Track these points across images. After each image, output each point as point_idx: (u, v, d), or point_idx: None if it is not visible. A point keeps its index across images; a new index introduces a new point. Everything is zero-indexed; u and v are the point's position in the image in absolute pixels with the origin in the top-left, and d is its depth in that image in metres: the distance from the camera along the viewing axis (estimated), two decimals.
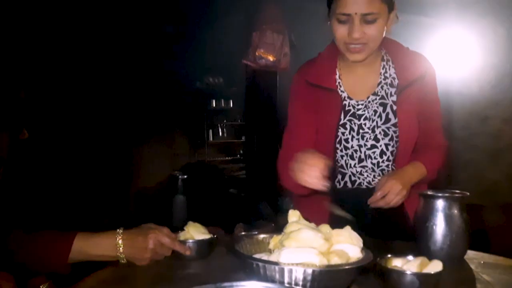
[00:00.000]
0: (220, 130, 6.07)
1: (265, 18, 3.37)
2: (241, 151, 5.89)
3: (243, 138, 5.47)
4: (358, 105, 1.44)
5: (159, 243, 1.04)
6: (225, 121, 6.08)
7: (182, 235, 1.14)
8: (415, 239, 1.17)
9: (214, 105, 5.84)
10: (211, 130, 5.91)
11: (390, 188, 1.28)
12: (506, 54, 2.78)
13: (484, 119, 2.87)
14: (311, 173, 1.15)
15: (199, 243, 1.12)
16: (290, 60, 3.41)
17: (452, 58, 2.88)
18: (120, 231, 1.04)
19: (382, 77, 1.45)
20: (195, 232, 1.14)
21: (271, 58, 3.32)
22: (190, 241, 1.11)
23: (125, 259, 1.03)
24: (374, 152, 1.43)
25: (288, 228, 0.97)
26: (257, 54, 3.32)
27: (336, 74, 1.48)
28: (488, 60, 2.83)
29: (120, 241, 1.02)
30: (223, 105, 5.87)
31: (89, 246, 1.02)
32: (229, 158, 5.93)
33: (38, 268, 1.02)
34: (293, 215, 1.01)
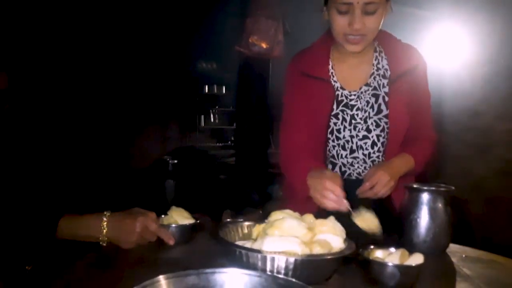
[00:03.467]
0: (211, 116, 6.04)
1: (260, 4, 3.33)
2: (232, 138, 5.87)
3: (235, 124, 5.46)
4: (350, 95, 1.44)
5: (146, 228, 1.05)
6: (217, 107, 6.05)
7: (165, 220, 1.13)
8: (399, 231, 1.18)
9: (206, 91, 5.80)
10: (202, 116, 5.88)
11: (378, 179, 1.28)
12: (499, 50, 2.78)
13: (475, 114, 2.88)
14: (331, 197, 1.16)
15: (182, 227, 1.12)
16: (284, 48, 3.38)
17: (445, 52, 2.88)
18: (107, 213, 1.05)
19: (375, 68, 1.45)
20: (179, 217, 1.14)
21: (264, 45, 3.29)
22: (173, 225, 1.11)
23: (106, 242, 1.03)
24: (365, 143, 1.43)
25: (272, 217, 0.97)
26: (250, 41, 3.28)
27: (329, 64, 1.47)
28: (482, 55, 2.83)
29: (105, 223, 1.03)
30: (215, 90, 5.84)
31: (75, 226, 1.03)
32: (220, 144, 5.91)
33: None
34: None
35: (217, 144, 5.89)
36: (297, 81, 1.49)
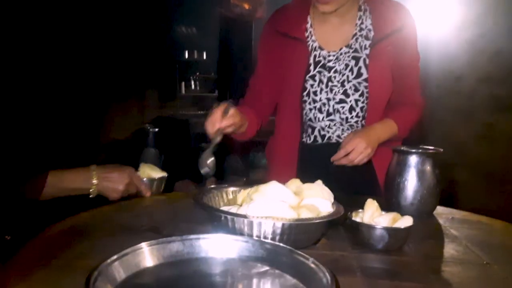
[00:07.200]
0: (192, 82, 5.91)
1: None
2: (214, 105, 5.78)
3: (216, 92, 5.36)
4: (329, 56, 1.39)
5: (131, 180, 1.14)
6: (197, 73, 5.91)
7: (140, 174, 1.22)
8: (380, 195, 1.17)
9: (186, 57, 5.64)
10: (183, 83, 5.75)
11: (355, 146, 1.26)
12: (485, 11, 2.75)
13: (458, 78, 2.87)
14: (209, 121, 1.18)
15: (155, 180, 1.23)
16: (267, 9, 3.28)
17: (431, 14, 2.83)
18: (93, 167, 1.11)
19: (358, 28, 1.39)
20: (152, 171, 1.24)
21: (246, 6, 3.19)
22: (145, 179, 1.21)
23: (95, 193, 1.09)
24: (343, 107, 1.39)
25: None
26: (232, 1, 3.18)
27: (308, 23, 1.42)
28: (467, 17, 2.80)
29: (94, 175, 1.09)
30: (196, 56, 5.68)
31: (64, 180, 1.07)
32: (202, 112, 5.82)
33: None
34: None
35: (199, 112, 5.80)
36: (271, 41, 1.45)
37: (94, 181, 1.09)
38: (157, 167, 1.27)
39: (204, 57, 5.71)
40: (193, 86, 5.91)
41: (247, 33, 3.63)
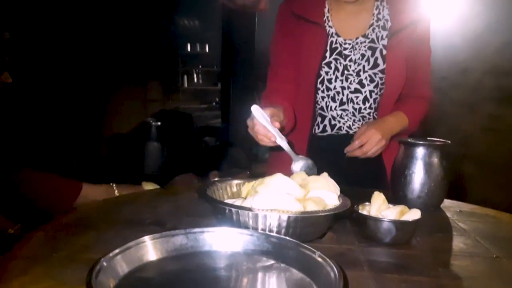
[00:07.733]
0: (195, 76, 5.88)
1: None
2: (217, 99, 5.76)
3: (219, 85, 5.33)
4: (345, 43, 1.37)
5: None
6: (200, 66, 5.88)
7: None
8: (388, 189, 1.15)
9: (188, 50, 5.61)
10: (185, 76, 5.72)
11: (369, 137, 1.24)
12: (491, 2, 2.71)
13: (465, 70, 2.84)
14: (260, 138, 1.11)
15: None
16: (270, 0, 3.24)
17: (436, 5, 2.80)
18: (113, 184, 1.33)
19: (375, 18, 1.37)
20: (152, 188, 1.39)
21: None
22: None
23: None
24: (357, 97, 1.37)
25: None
26: None
27: (326, 8, 1.39)
28: (473, 8, 2.76)
29: (116, 191, 1.32)
30: (198, 49, 5.64)
31: (94, 192, 1.27)
32: (205, 105, 5.80)
33: (43, 206, 1.22)
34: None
35: (202, 105, 5.77)
36: (287, 22, 1.41)
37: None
38: (157, 185, 1.43)
39: (207, 50, 5.67)
40: (195, 80, 5.88)
41: (250, 25, 3.59)
